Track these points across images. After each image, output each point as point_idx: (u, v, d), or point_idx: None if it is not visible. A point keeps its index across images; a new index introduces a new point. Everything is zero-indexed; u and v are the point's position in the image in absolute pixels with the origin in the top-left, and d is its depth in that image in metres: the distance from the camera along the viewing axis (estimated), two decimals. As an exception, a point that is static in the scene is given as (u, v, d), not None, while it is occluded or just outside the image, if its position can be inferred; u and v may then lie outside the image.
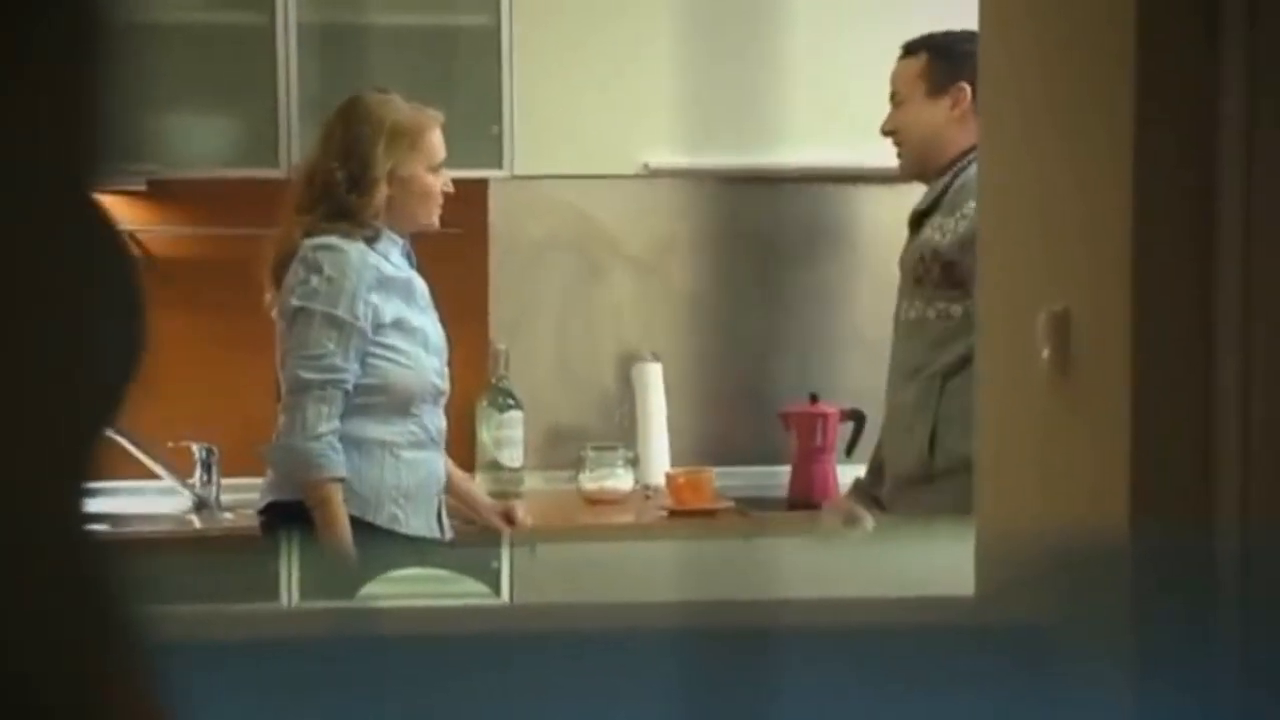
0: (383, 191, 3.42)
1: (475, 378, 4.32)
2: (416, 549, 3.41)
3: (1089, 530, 2.09)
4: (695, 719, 1.94)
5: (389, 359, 3.41)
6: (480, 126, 4.21)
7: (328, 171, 3.43)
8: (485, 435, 4.40)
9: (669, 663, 1.95)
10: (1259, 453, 1.93)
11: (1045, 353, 2.17)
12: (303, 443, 3.32)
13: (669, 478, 4.34)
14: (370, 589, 2.83)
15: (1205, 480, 1.95)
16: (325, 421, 3.33)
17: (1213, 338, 1.95)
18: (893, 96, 3.40)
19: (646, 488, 4.43)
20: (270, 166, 4.10)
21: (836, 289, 4.65)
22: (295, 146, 4.08)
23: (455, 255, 4.15)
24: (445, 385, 3.52)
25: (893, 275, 3.42)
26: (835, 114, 4.40)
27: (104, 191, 0.79)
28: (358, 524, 3.34)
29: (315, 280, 3.36)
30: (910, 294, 3.29)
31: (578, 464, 4.40)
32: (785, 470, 4.41)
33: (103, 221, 0.79)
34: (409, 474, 3.43)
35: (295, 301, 3.36)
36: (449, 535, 3.56)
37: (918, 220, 3.32)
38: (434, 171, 3.49)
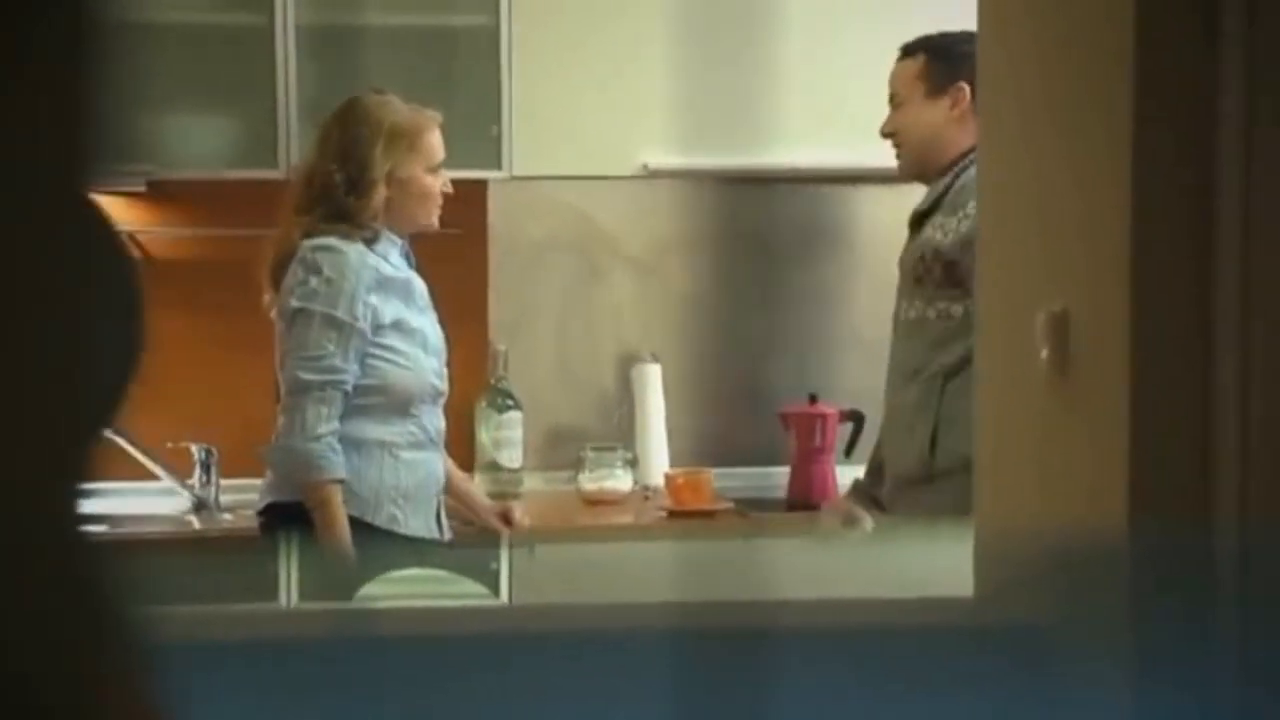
0: (381, 193, 3.42)
1: (474, 378, 4.32)
2: (416, 550, 3.41)
3: (1087, 530, 2.09)
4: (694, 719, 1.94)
5: (388, 360, 3.41)
6: (479, 127, 4.21)
7: (326, 174, 3.43)
8: (484, 436, 4.40)
9: (668, 663, 1.95)
10: (1257, 451, 1.93)
11: (1044, 352, 2.17)
12: (302, 444, 3.32)
13: (668, 478, 4.34)
14: (369, 590, 2.83)
15: (1204, 479, 1.95)
16: (325, 423, 3.33)
17: (1211, 337, 1.95)
18: (892, 98, 3.40)
19: (645, 488, 4.43)
20: (269, 167, 4.10)
21: (835, 289, 4.65)
22: (294, 147, 4.08)
23: (454, 256, 4.15)
24: (444, 386, 3.52)
25: (891, 275, 3.42)
26: (834, 114, 4.40)
27: (102, 192, 0.79)
28: (357, 524, 3.35)
29: (314, 281, 3.36)
30: (910, 294, 3.28)
31: (577, 465, 4.40)
32: (784, 471, 4.41)
33: (101, 222, 0.79)
34: (408, 475, 3.43)
35: (294, 302, 3.37)
36: (448, 536, 3.56)
37: (918, 220, 3.32)
38: (433, 172, 3.49)
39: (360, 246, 3.40)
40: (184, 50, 4.12)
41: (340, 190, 3.41)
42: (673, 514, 4.23)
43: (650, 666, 1.95)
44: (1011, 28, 2.36)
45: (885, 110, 3.41)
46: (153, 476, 4.23)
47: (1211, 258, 1.95)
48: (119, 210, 4.23)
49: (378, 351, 3.39)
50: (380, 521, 3.39)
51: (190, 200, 4.37)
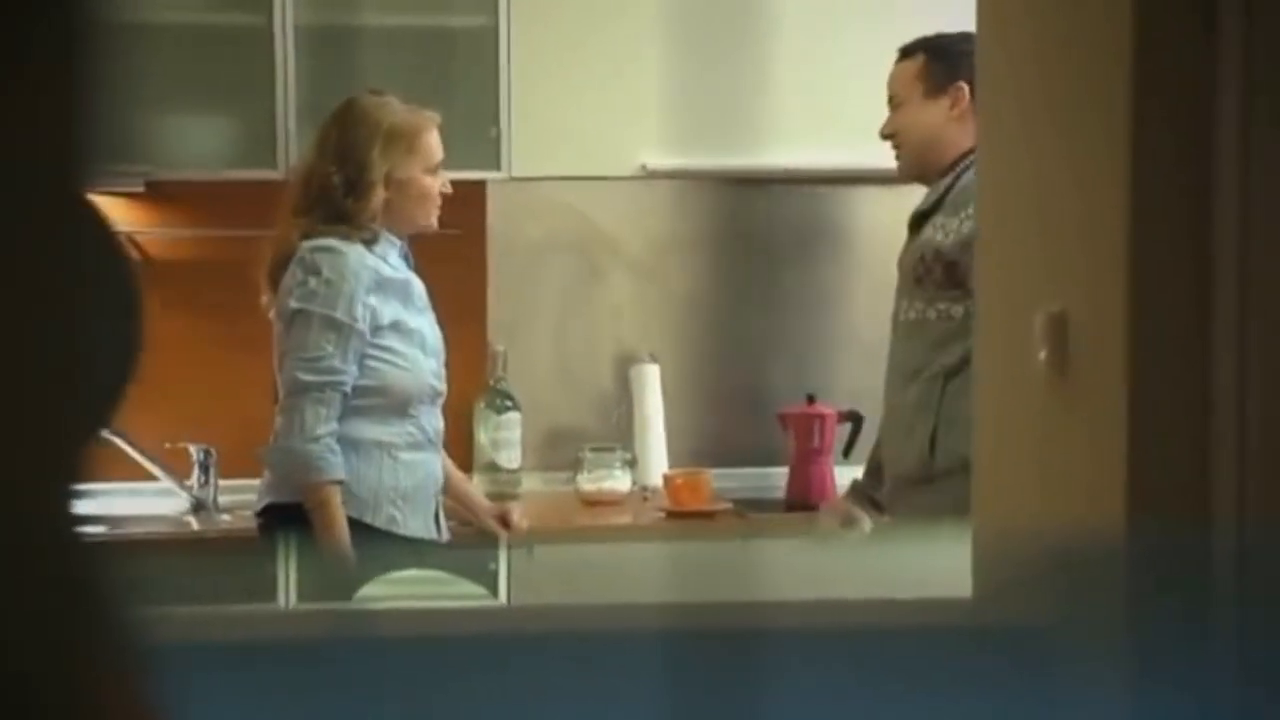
0: (379, 194, 3.42)
1: (473, 379, 4.32)
2: (414, 551, 3.40)
3: (1086, 530, 2.09)
4: (693, 720, 1.94)
5: (387, 361, 3.40)
6: (478, 128, 4.21)
7: (324, 175, 3.42)
8: (483, 436, 4.40)
9: (666, 664, 1.95)
10: (1256, 452, 1.93)
11: (1043, 353, 2.17)
12: (301, 445, 3.32)
13: (667, 479, 4.34)
14: (368, 590, 2.83)
15: (1202, 480, 1.95)
16: (323, 424, 3.33)
17: (1210, 337, 1.95)
18: (891, 99, 3.40)
19: (644, 489, 4.43)
20: (268, 168, 4.10)
21: (834, 290, 4.65)
22: (293, 148, 4.08)
23: (453, 256, 4.15)
24: (442, 386, 3.52)
25: (890, 276, 3.42)
26: (832, 115, 4.40)
27: (100, 192, 0.79)
28: (356, 525, 3.34)
29: (313, 282, 3.36)
30: (910, 294, 3.28)
31: (575, 465, 4.40)
32: (783, 471, 4.41)
33: (98, 222, 0.79)
34: (407, 475, 3.43)
35: (293, 303, 3.36)
36: (446, 537, 3.56)
37: (918, 220, 3.32)
38: (431, 173, 3.49)
39: (359, 248, 3.40)
40: (182, 51, 4.12)
41: (339, 192, 3.40)
42: (671, 514, 4.23)
43: (649, 667, 1.95)
44: (1010, 28, 2.36)
45: (883, 111, 3.41)
46: (151, 477, 4.23)
47: (1210, 258, 1.95)
48: (117, 211, 4.23)
49: (376, 352, 3.39)
50: (379, 522, 3.39)
51: (189, 201, 4.37)
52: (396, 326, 3.41)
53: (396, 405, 3.42)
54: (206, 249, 4.37)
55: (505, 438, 4.41)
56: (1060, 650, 2.04)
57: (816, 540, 3.60)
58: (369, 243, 3.41)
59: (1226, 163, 1.93)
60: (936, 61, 3.33)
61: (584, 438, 4.48)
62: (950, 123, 3.29)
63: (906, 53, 3.40)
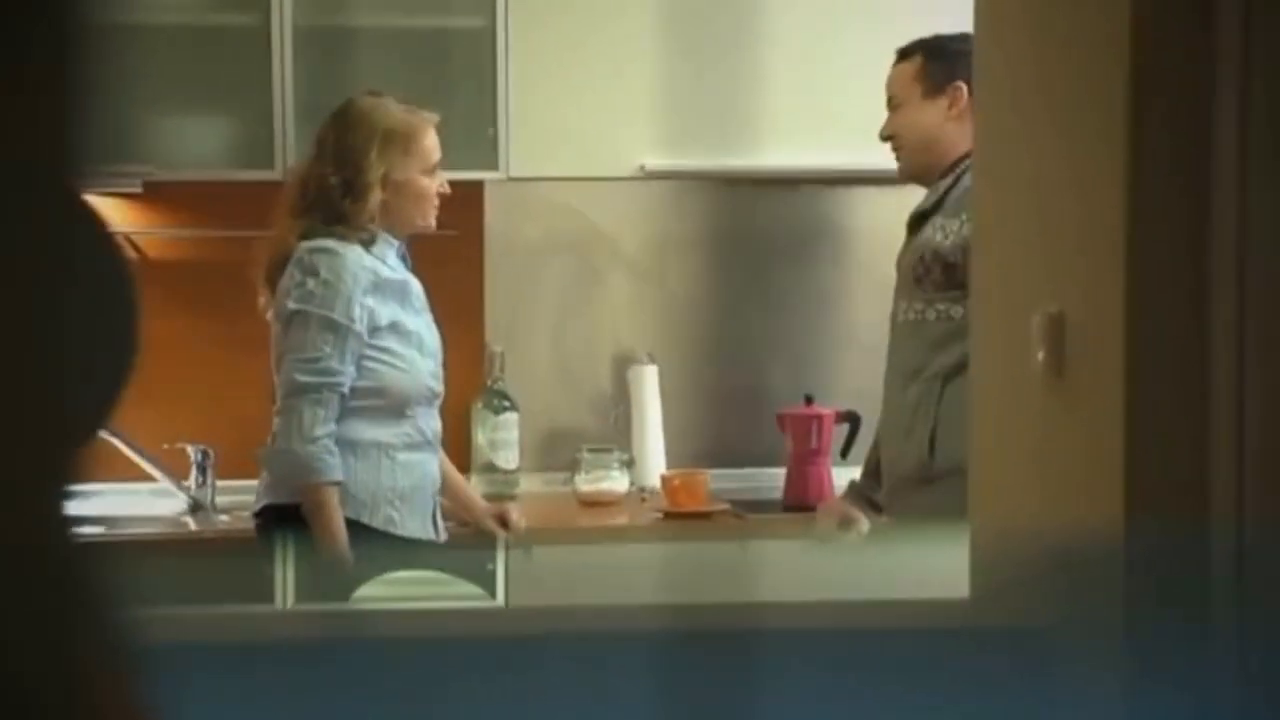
0: (377, 195, 3.42)
1: (471, 380, 4.32)
2: (412, 551, 3.40)
3: (1084, 531, 2.09)
4: (691, 721, 1.94)
5: (384, 362, 3.40)
6: (476, 129, 4.21)
7: (322, 176, 3.42)
8: (481, 437, 4.40)
9: (664, 665, 1.95)
10: (1254, 452, 1.93)
11: (1040, 354, 2.17)
12: (299, 446, 3.31)
13: (664, 480, 4.34)
14: (366, 591, 2.83)
15: (1200, 481, 1.95)
16: (321, 425, 3.32)
17: (1208, 338, 1.95)
18: (889, 101, 3.40)
19: (642, 490, 4.43)
20: (265, 168, 4.10)
21: (832, 291, 4.65)
22: (290, 148, 4.08)
23: (451, 257, 4.15)
24: (440, 387, 3.51)
25: (888, 277, 3.42)
26: (830, 116, 4.40)
27: (98, 193, 0.79)
28: (353, 526, 3.34)
29: (311, 283, 3.35)
30: (909, 294, 3.28)
31: (573, 466, 4.40)
32: (780, 472, 4.41)
33: (95, 223, 0.79)
34: (404, 476, 3.43)
35: (291, 304, 3.36)
36: (444, 537, 3.55)
37: (918, 221, 3.32)
38: (429, 173, 3.49)
39: (357, 249, 3.39)
40: (180, 51, 4.12)
41: (336, 193, 3.40)
42: (669, 515, 4.22)
43: (646, 668, 1.95)
44: (1008, 28, 2.36)
45: (881, 111, 3.41)
46: (149, 477, 4.23)
47: (1208, 259, 1.95)
48: (115, 211, 4.23)
49: (374, 354, 3.39)
50: (377, 523, 3.39)
51: (186, 201, 4.37)
52: (394, 327, 3.41)
53: (394, 406, 3.42)
54: (204, 249, 4.37)
55: (503, 438, 4.41)
56: (1058, 651, 2.04)
57: (814, 541, 3.60)
58: (367, 244, 3.41)
59: (1225, 163, 1.93)
60: (934, 62, 3.33)
61: (582, 438, 4.48)
62: (949, 123, 3.29)
63: (904, 54, 3.40)
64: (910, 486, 3.22)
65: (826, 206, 4.64)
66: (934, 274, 3.21)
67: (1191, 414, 1.95)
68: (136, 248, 4.31)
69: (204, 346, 4.29)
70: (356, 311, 3.35)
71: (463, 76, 4.26)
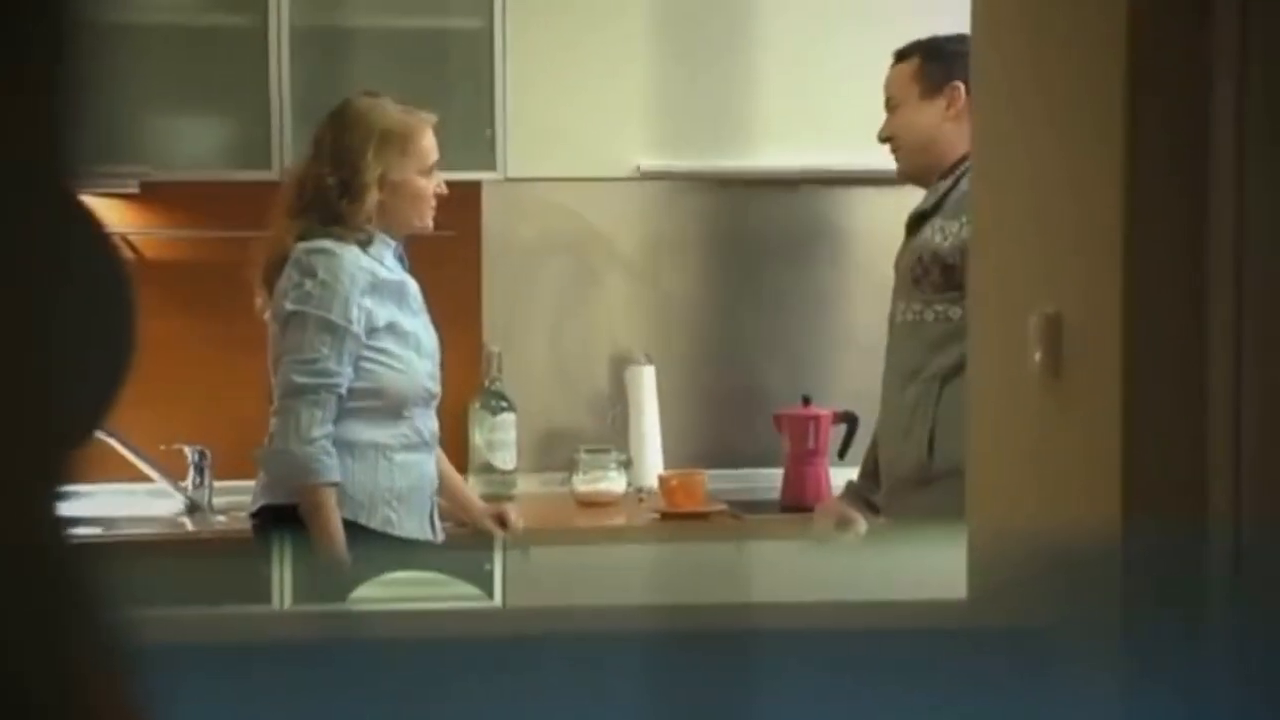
0: (374, 196, 3.41)
1: (468, 380, 4.32)
2: (410, 552, 3.40)
3: (1081, 531, 2.09)
4: (688, 722, 1.93)
5: (382, 363, 3.40)
6: (473, 129, 4.21)
7: (319, 177, 3.42)
8: (478, 438, 4.40)
9: (661, 666, 1.95)
10: (1251, 452, 1.93)
11: (1037, 355, 2.17)
12: (297, 447, 3.31)
13: (662, 480, 4.34)
14: (363, 592, 2.83)
15: (1198, 481, 1.95)
16: (319, 426, 3.32)
17: (1205, 339, 1.95)
18: (888, 102, 3.40)
19: (639, 490, 4.43)
20: (263, 169, 4.10)
21: (829, 291, 4.65)
22: (288, 149, 4.08)
23: (448, 258, 4.15)
24: (437, 388, 3.51)
25: (885, 277, 3.42)
26: (827, 117, 4.40)
27: (95, 194, 0.79)
28: (351, 527, 3.34)
29: (309, 284, 3.35)
30: (907, 295, 3.28)
31: (570, 466, 4.40)
32: (778, 473, 4.41)
33: (91, 223, 0.78)
34: (402, 476, 3.43)
35: (289, 305, 3.36)
36: (441, 538, 3.55)
37: (916, 222, 3.32)
38: (426, 174, 3.49)
39: (355, 249, 3.39)
40: (177, 52, 4.12)
41: (333, 194, 3.40)
42: (666, 516, 4.22)
43: (644, 669, 1.94)
44: (1005, 28, 2.36)
45: (877, 111, 3.41)
46: (146, 478, 4.23)
47: (1205, 259, 1.95)
48: (111, 212, 4.23)
49: (371, 354, 3.39)
50: (374, 524, 3.39)
51: (183, 202, 4.37)
52: (392, 328, 3.41)
53: (391, 407, 3.41)
54: (201, 250, 4.37)
55: (500, 439, 4.41)
56: (1056, 651, 2.04)
57: (811, 542, 3.60)
58: (364, 244, 3.41)
59: (1222, 163, 1.93)
60: (932, 62, 3.33)
61: (579, 439, 4.48)
62: (947, 123, 3.29)
63: (902, 55, 3.40)
64: (909, 487, 3.22)
65: (823, 207, 4.64)
66: (932, 275, 3.21)
67: (1189, 414, 1.95)
68: (133, 248, 4.31)
69: (201, 347, 4.29)
70: (354, 313, 3.35)
71: (460, 77, 4.26)
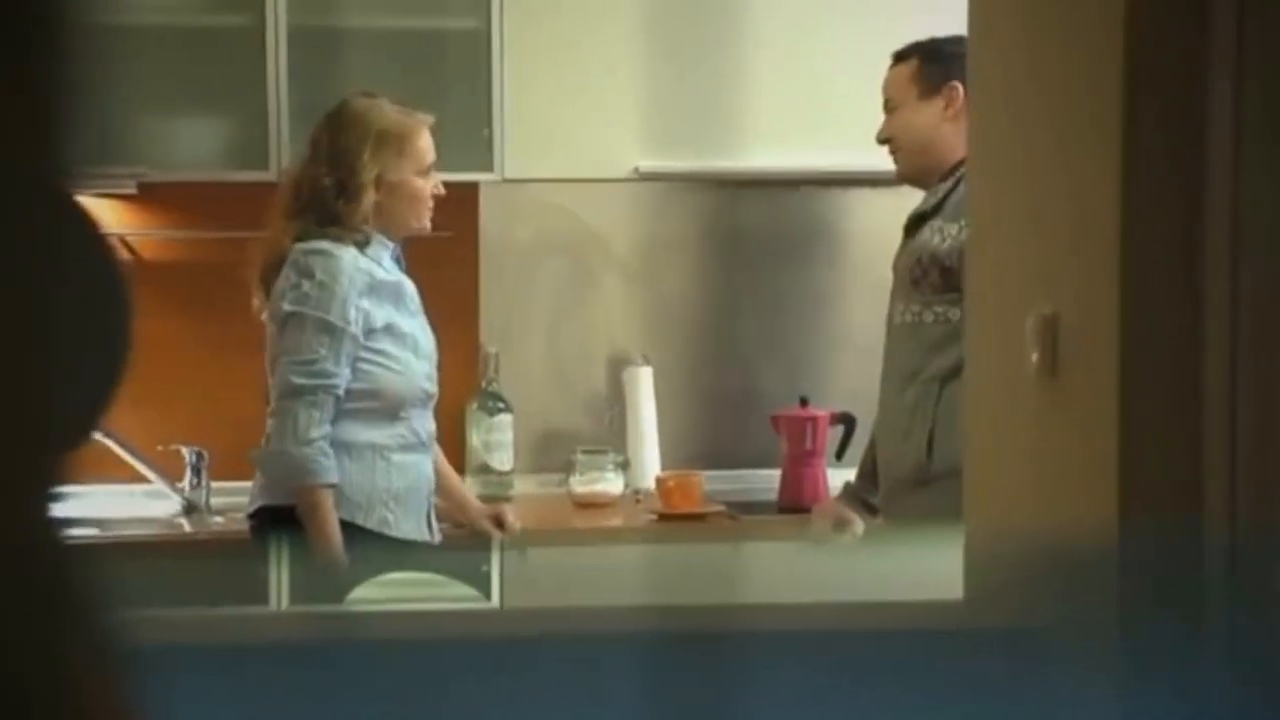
0: (370, 197, 3.41)
1: (465, 381, 4.32)
2: (407, 553, 3.40)
3: (1078, 532, 2.09)
4: (685, 722, 1.93)
5: (379, 364, 3.40)
6: (471, 130, 4.21)
7: (315, 178, 3.42)
8: (475, 439, 4.40)
9: (658, 667, 1.95)
10: (1247, 453, 1.93)
11: (1034, 355, 2.17)
12: (294, 448, 3.31)
13: (659, 481, 4.34)
14: (360, 593, 2.83)
15: (1194, 481, 1.95)
16: (316, 427, 3.32)
17: (1202, 339, 1.95)
18: (886, 104, 3.40)
19: (637, 491, 4.42)
20: (260, 169, 4.10)
21: (827, 292, 4.65)
22: (285, 150, 4.08)
23: (446, 259, 4.15)
24: (434, 389, 3.51)
25: (883, 278, 3.42)
26: (825, 118, 4.40)
27: (92, 194, 0.79)
28: (348, 528, 3.34)
29: (307, 285, 3.35)
30: (906, 297, 3.28)
31: (568, 467, 4.39)
32: (775, 474, 4.41)
33: (87, 224, 0.78)
34: (399, 477, 3.43)
35: (287, 306, 3.36)
36: (438, 539, 3.55)
37: (915, 223, 3.32)
38: (423, 175, 3.49)
39: (352, 250, 3.39)
40: (174, 52, 4.12)
41: (330, 194, 3.40)
42: (663, 517, 4.22)
43: (641, 670, 1.94)
44: (1002, 29, 2.37)
45: (875, 112, 3.41)
46: (143, 479, 4.23)
47: (1202, 259, 1.95)
48: (109, 213, 4.22)
49: (369, 355, 3.39)
50: (372, 524, 3.39)
51: (180, 203, 4.37)
52: (389, 329, 3.41)
53: (389, 408, 3.42)
54: (198, 251, 4.37)
55: (497, 440, 4.41)
56: (1053, 652, 2.04)
57: (809, 543, 3.60)
58: (361, 245, 3.41)
59: (1219, 164, 1.93)
60: (930, 63, 3.33)
61: (576, 440, 4.48)
62: (945, 124, 3.30)
63: (900, 57, 3.40)
64: (908, 488, 3.22)
65: (821, 208, 4.64)
66: (931, 276, 3.21)
67: (1185, 415, 1.95)
68: (131, 249, 4.31)
69: (198, 348, 4.29)
70: (352, 314, 3.35)
71: (457, 78, 4.26)
